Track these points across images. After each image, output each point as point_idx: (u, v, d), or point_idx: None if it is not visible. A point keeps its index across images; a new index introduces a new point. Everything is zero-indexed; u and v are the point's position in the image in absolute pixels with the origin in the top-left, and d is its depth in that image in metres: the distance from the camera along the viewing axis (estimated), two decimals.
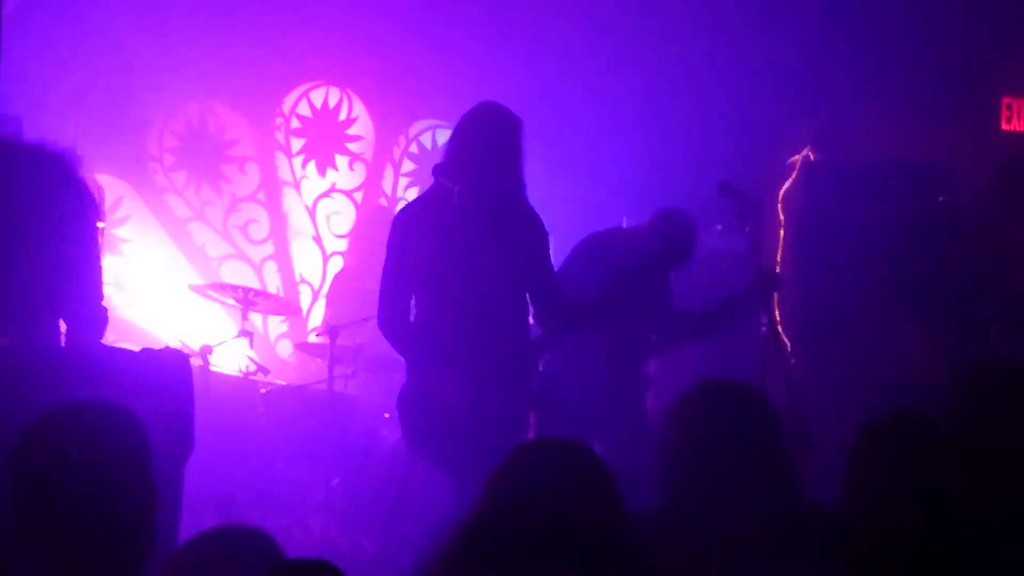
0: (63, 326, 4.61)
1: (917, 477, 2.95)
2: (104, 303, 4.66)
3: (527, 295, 5.03)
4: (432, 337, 4.85)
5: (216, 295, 7.22)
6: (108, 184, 7.95)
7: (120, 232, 8.01)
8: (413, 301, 4.92)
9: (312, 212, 8.50)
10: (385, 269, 4.94)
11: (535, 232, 5.05)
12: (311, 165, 8.49)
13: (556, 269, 6.12)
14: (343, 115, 8.54)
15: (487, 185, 4.86)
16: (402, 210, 5.15)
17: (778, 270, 6.00)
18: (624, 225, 7.30)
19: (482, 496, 2.51)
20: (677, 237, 6.09)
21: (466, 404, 4.76)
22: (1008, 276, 6.71)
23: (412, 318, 4.94)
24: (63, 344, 4.55)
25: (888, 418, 3.10)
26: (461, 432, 4.76)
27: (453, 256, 4.82)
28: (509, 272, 4.89)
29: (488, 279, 4.83)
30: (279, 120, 8.44)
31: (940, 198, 7.07)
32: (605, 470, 2.54)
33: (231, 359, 7.09)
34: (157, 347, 4.58)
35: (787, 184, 7.94)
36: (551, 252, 5.16)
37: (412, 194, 8.11)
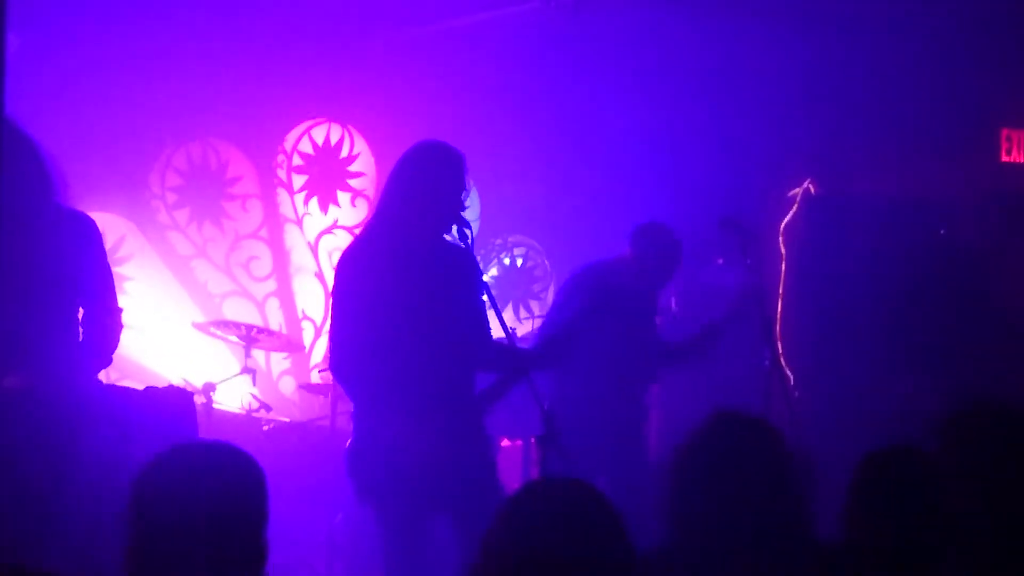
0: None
1: (916, 510, 2.96)
2: (118, 304, 4.66)
3: (468, 335, 4.82)
4: (376, 385, 4.71)
5: (219, 332, 7.23)
6: (111, 223, 7.97)
7: (123, 270, 8.01)
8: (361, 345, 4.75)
9: (314, 248, 8.51)
10: (332, 314, 4.82)
11: (464, 272, 4.84)
12: (313, 202, 8.52)
13: (550, 306, 6.13)
14: (345, 152, 8.57)
15: (403, 225, 4.75)
16: (343, 254, 4.94)
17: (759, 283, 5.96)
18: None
19: (488, 537, 2.50)
20: (658, 252, 6.08)
21: (416, 457, 4.62)
22: (1008, 308, 6.72)
23: (363, 363, 4.76)
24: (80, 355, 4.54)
25: (886, 453, 3.12)
26: (416, 485, 4.64)
27: (382, 300, 4.68)
28: (439, 316, 4.71)
29: (417, 325, 4.67)
30: (281, 157, 8.47)
31: (941, 231, 7.08)
32: (611, 509, 2.54)
33: (234, 396, 7.10)
34: (161, 385, 4.60)
35: (788, 217, 7.97)
36: (482, 289, 4.91)
37: None
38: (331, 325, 4.82)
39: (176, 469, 2.47)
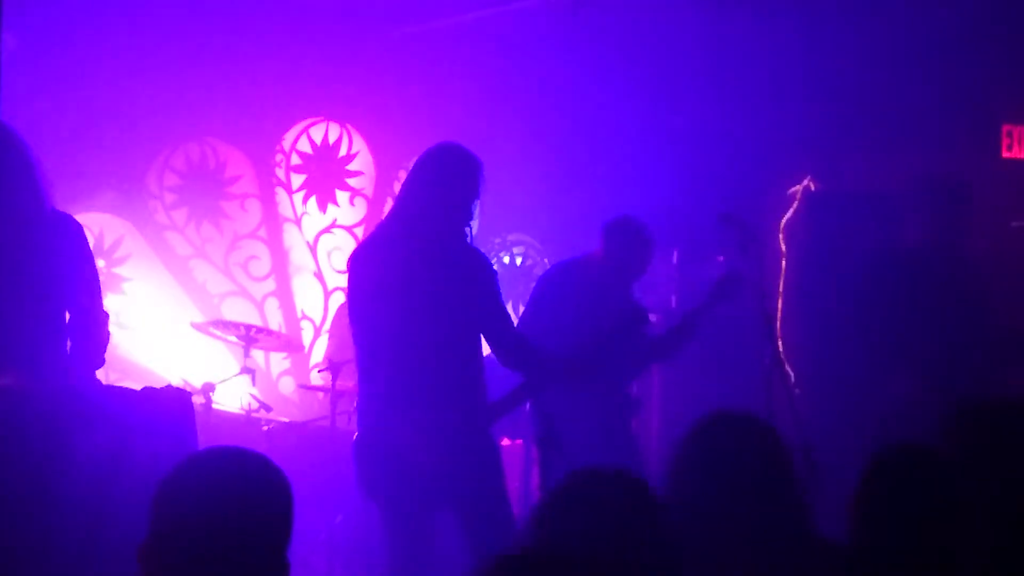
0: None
1: (929, 509, 2.94)
2: (104, 308, 4.62)
3: (477, 336, 4.83)
4: (377, 384, 4.77)
5: (218, 332, 7.21)
6: (109, 223, 7.96)
7: (121, 271, 8.00)
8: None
9: (313, 248, 8.50)
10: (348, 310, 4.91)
11: (473, 271, 4.82)
12: (312, 201, 8.50)
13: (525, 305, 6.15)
14: (343, 151, 8.55)
15: (417, 225, 4.77)
16: (354, 250, 5.02)
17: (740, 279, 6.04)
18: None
19: (530, 526, 2.48)
20: (626, 249, 6.08)
21: (413, 453, 4.67)
22: (1009, 305, 6.70)
23: (365, 360, 4.83)
24: (70, 360, 4.50)
25: (897, 450, 3.09)
26: (414, 481, 4.69)
27: (385, 299, 4.72)
28: (442, 317, 4.72)
29: (419, 325, 4.69)
30: (279, 157, 8.45)
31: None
32: (656, 502, 2.52)
33: (233, 396, 7.08)
34: (159, 385, 4.57)
35: (788, 214, 7.96)
36: (496, 289, 4.90)
37: None
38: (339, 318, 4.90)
39: (204, 473, 2.44)
